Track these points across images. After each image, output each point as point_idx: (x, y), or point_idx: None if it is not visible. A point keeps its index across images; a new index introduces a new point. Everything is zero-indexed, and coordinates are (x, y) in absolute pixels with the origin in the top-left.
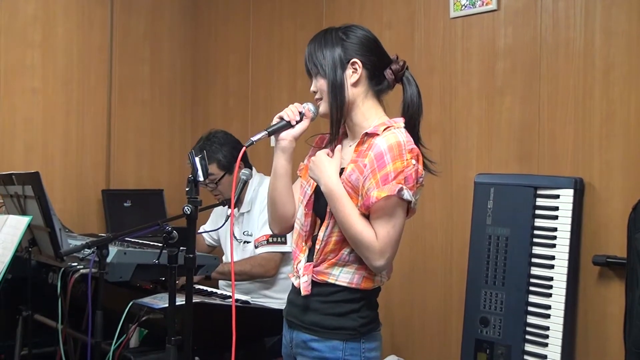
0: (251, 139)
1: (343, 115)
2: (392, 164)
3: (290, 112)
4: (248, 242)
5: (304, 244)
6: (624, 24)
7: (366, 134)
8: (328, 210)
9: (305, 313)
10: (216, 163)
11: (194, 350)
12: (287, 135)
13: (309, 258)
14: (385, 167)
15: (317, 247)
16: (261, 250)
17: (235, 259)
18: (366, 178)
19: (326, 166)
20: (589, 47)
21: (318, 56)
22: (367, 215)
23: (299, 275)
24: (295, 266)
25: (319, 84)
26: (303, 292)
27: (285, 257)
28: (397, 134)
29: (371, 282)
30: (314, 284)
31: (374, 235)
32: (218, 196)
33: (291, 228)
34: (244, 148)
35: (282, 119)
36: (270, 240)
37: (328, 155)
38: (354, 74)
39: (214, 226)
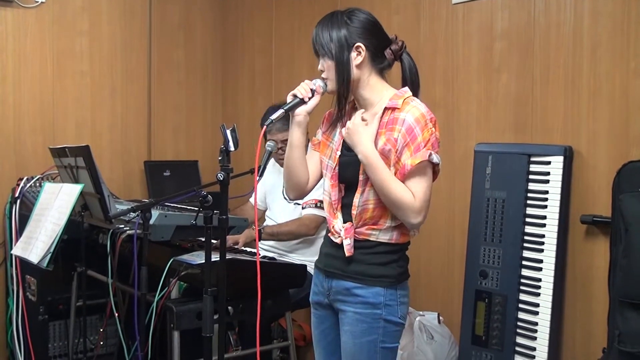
0: (270, 118)
1: (349, 93)
2: (421, 134)
3: (302, 90)
4: (298, 204)
5: (334, 211)
6: (610, 6)
7: (386, 107)
8: (360, 178)
9: (348, 264)
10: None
11: (227, 300)
12: (301, 111)
13: (344, 220)
14: (417, 138)
15: (353, 212)
16: (308, 211)
17: (285, 219)
18: (402, 151)
19: (362, 134)
20: (578, 28)
21: (325, 38)
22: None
23: (340, 236)
24: (331, 228)
25: (327, 64)
26: (347, 254)
27: (324, 223)
28: (418, 106)
29: (407, 237)
30: (355, 240)
31: (412, 196)
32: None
33: (305, 194)
34: (264, 127)
35: (295, 96)
36: (318, 205)
37: (364, 120)
38: (357, 56)
39: (263, 186)
